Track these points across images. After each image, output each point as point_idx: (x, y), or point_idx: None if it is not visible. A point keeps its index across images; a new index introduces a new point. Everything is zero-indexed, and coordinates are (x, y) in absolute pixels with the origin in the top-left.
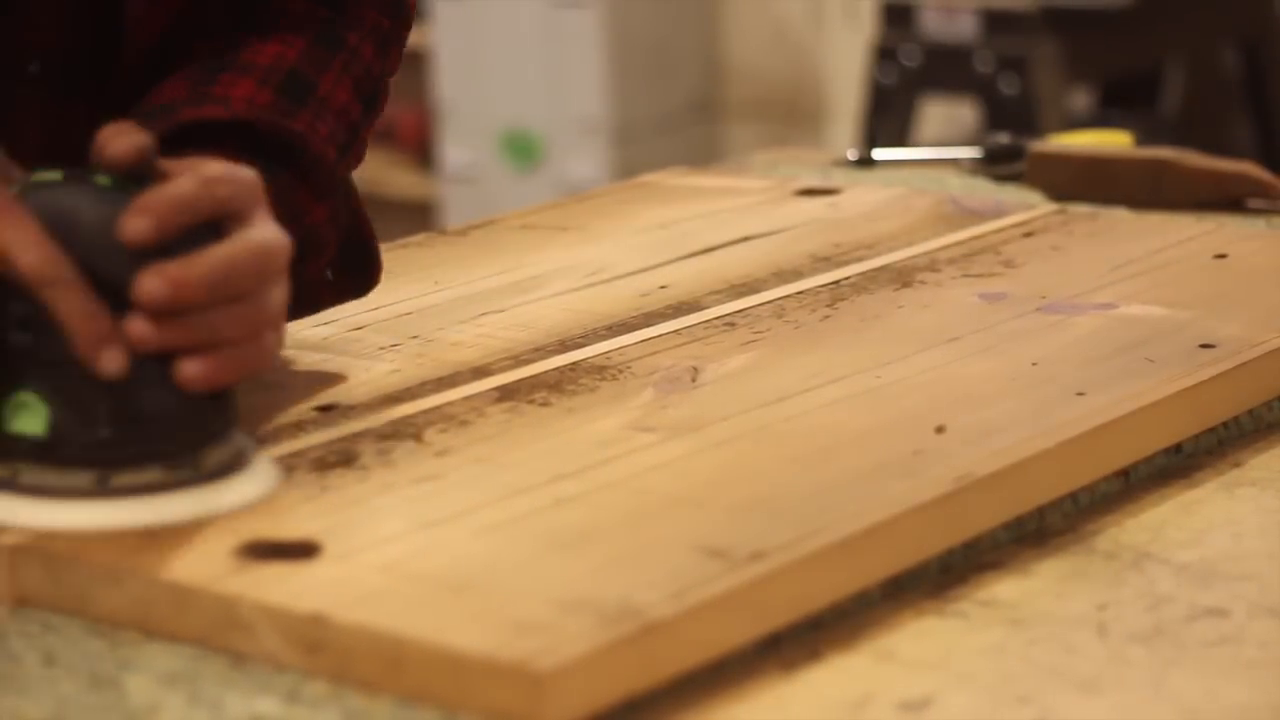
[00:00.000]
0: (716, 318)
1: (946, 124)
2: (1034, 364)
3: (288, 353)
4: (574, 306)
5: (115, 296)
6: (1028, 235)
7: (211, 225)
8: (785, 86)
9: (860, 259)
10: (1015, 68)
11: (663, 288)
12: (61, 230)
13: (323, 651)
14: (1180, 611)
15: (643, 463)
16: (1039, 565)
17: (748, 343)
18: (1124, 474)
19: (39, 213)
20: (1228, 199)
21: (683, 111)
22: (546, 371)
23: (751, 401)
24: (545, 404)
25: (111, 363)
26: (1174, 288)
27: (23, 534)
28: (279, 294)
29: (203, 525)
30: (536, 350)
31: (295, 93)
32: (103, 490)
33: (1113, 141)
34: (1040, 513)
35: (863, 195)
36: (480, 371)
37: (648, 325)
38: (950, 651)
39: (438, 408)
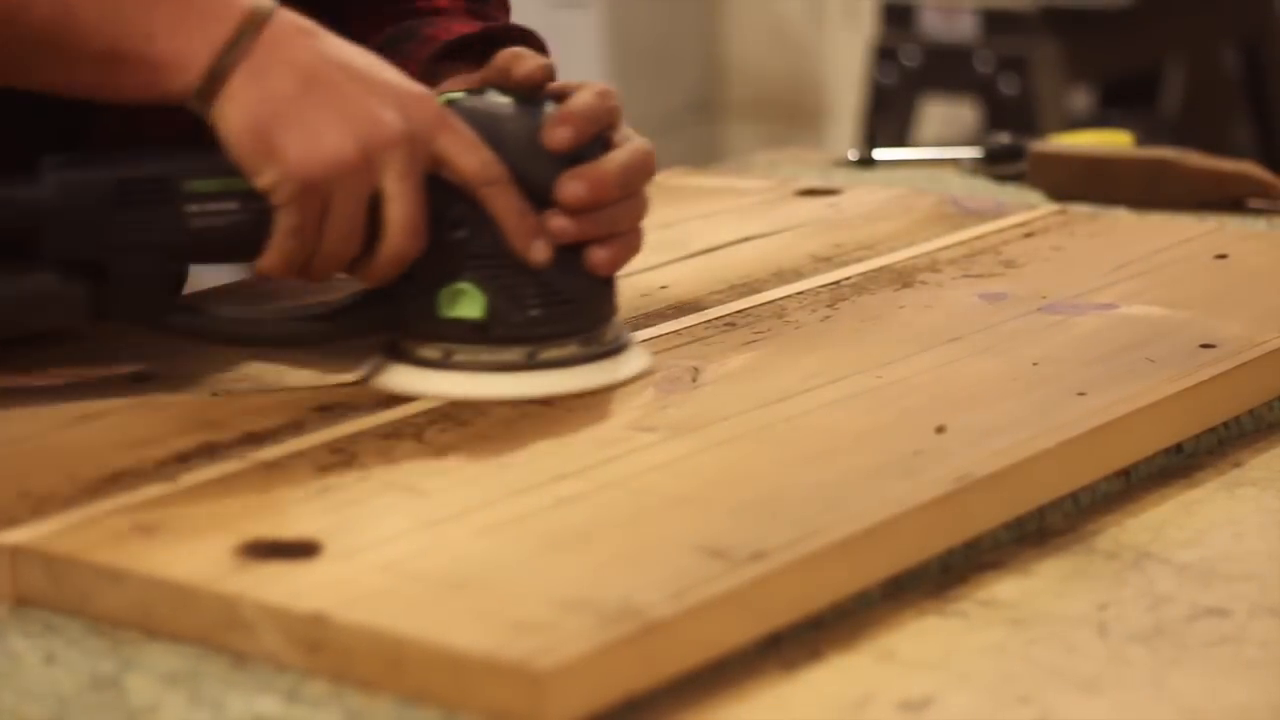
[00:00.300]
0: (717, 318)
1: (946, 124)
2: (1035, 364)
3: (288, 351)
4: None
5: (534, 195)
6: (1028, 235)
7: (608, 137)
8: (785, 86)
9: (861, 259)
10: (1015, 68)
11: (663, 288)
12: (489, 138)
13: (323, 651)
14: (1181, 611)
15: (643, 463)
16: (1039, 565)
17: (748, 343)
18: (1124, 474)
19: (469, 123)
20: (1228, 199)
21: (683, 111)
22: None
23: (752, 401)
24: (546, 403)
25: (540, 252)
26: (1174, 288)
27: (27, 534)
28: (646, 191)
29: (203, 525)
30: None
31: None
32: (532, 363)
33: (1113, 141)
34: (1041, 513)
35: (863, 195)
36: None
37: (648, 325)
38: (950, 651)
39: (438, 407)
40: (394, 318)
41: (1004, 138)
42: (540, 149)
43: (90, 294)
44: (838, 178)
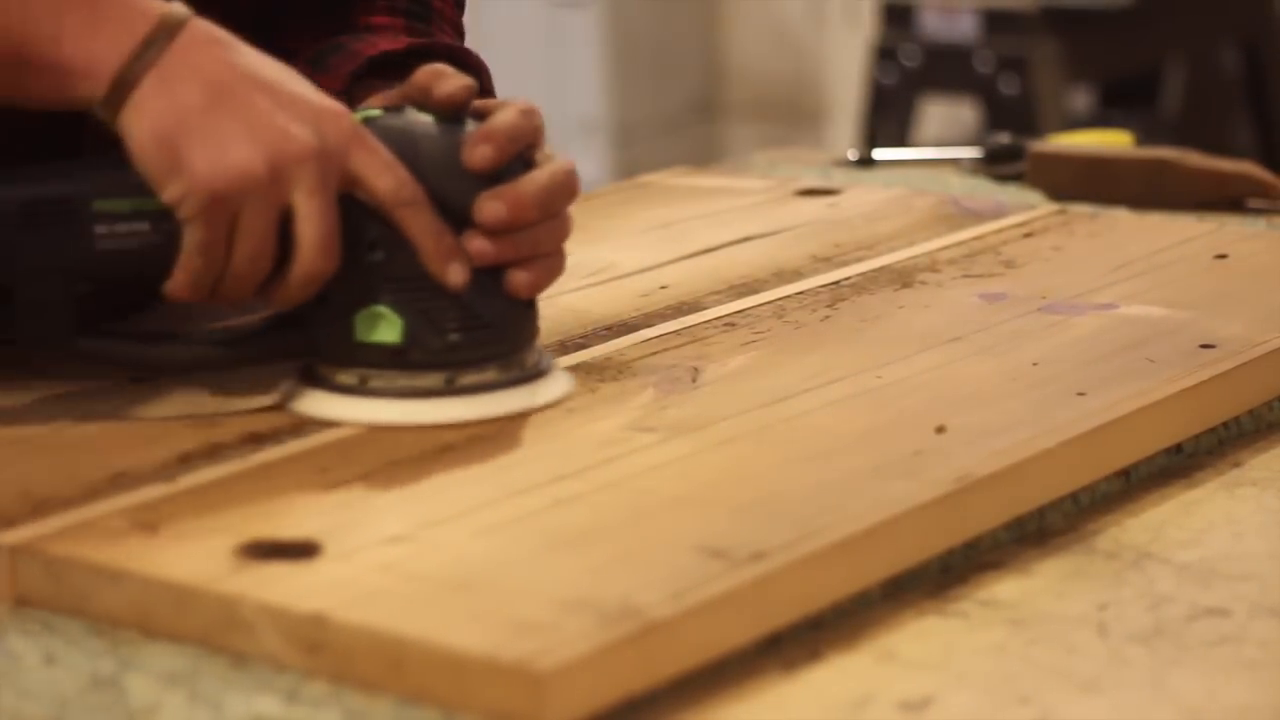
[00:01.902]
0: (717, 318)
1: (946, 124)
2: (1034, 364)
3: None
4: (574, 306)
5: (452, 216)
6: (1028, 235)
7: (529, 157)
8: (785, 86)
9: (860, 259)
10: (1015, 68)
11: (663, 288)
12: (406, 157)
13: (323, 651)
14: (1181, 611)
15: (643, 463)
16: (1039, 565)
17: (748, 343)
18: (1124, 474)
19: (385, 142)
20: (1228, 199)
21: (683, 111)
22: None
23: (752, 402)
24: (546, 407)
25: (458, 275)
26: (1174, 288)
27: (26, 533)
28: (570, 213)
29: (203, 525)
30: None
31: (419, 13)
32: (450, 389)
33: (1113, 141)
34: (1040, 513)
35: (863, 195)
36: None
37: (648, 325)
38: (950, 651)
39: None
40: (307, 343)
41: (1004, 138)
42: (459, 168)
43: None
44: (837, 178)
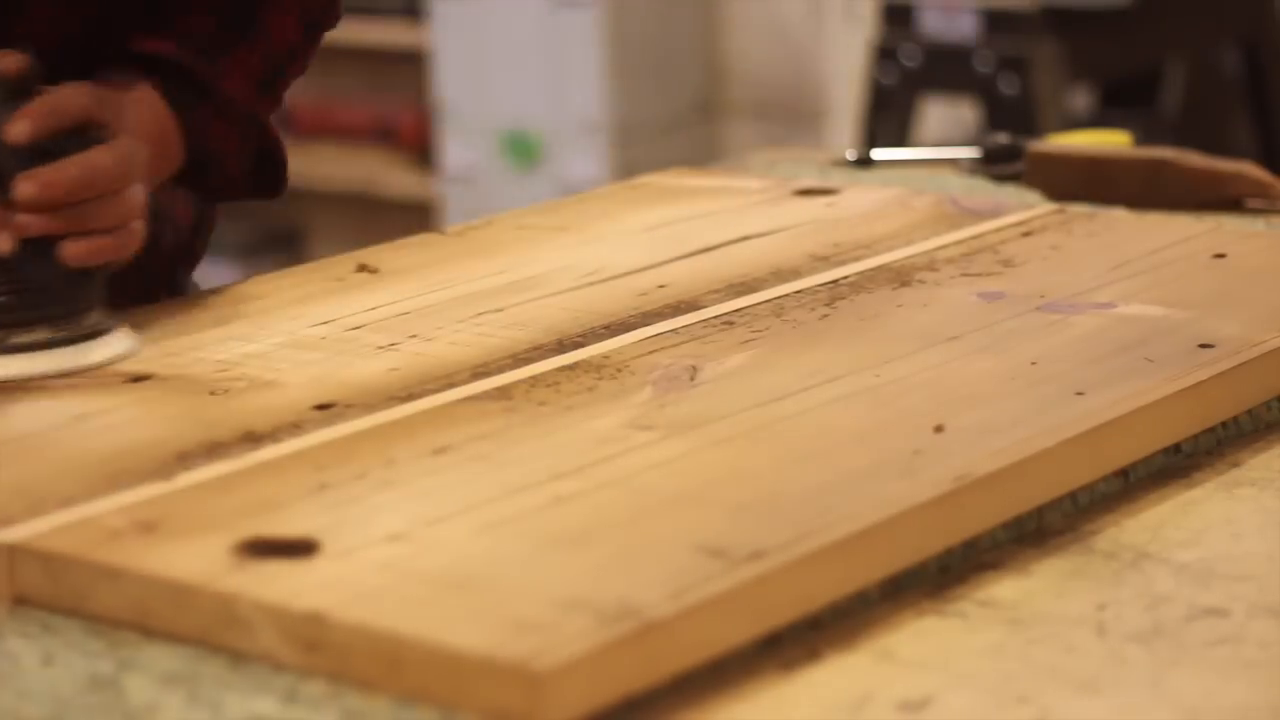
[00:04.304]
0: (715, 317)
1: (946, 124)
2: (1033, 363)
3: (285, 351)
4: (572, 306)
5: (4, 188)
6: (1026, 235)
7: (95, 135)
8: (785, 86)
9: (859, 258)
10: (1015, 68)
11: (661, 287)
12: None
13: (321, 650)
14: (1179, 611)
15: (641, 461)
16: (1038, 565)
17: (746, 341)
18: (1123, 474)
19: None
20: (1227, 199)
21: (683, 111)
22: (545, 371)
23: (750, 400)
24: (543, 403)
25: (4, 242)
26: (1173, 287)
27: (25, 532)
28: (138, 192)
29: (201, 524)
30: (535, 349)
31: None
32: (2, 348)
33: (1112, 141)
34: (1039, 512)
35: (861, 195)
36: (479, 371)
37: (646, 324)
38: (950, 651)
39: (436, 407)
40: None
41: (1002, 138)
42: (3, 143)
43: None
44: (836, 177)
